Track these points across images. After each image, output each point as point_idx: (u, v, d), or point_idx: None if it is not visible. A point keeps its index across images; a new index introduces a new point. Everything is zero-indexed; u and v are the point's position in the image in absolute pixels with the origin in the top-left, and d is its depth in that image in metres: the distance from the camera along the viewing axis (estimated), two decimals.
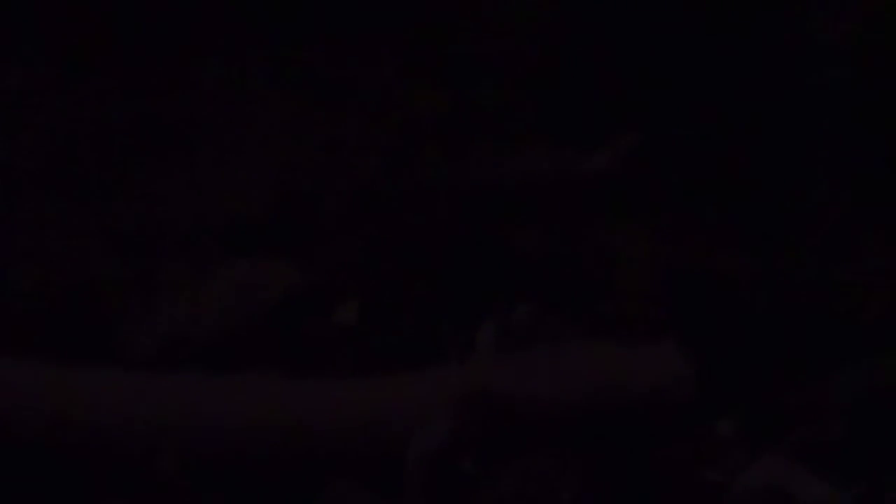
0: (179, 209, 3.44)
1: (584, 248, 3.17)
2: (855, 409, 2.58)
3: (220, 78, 3.94)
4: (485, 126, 4.09)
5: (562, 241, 3.23)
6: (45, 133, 3.79)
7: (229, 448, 2.68)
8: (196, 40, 4.02)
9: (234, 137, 3.73)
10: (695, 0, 3.94)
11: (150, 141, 3.65)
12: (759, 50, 3.81)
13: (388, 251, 3.54)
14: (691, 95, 3.83)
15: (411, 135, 4.00)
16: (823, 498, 2.49)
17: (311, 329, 3.20)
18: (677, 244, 3.14)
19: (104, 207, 3.49)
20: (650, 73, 4.00)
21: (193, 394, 2.72)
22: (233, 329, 3.16)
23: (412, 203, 3.70)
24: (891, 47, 3.92)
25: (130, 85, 3.82)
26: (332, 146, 3.88)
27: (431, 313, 3.13)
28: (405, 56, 4.20)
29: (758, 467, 2.54)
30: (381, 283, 3.28)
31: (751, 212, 3.29)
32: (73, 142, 3.67)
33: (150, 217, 3.42)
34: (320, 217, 3.52)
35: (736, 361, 2.64)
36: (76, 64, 3.88)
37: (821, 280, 2.88)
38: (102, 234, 3.41)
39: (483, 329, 2.97)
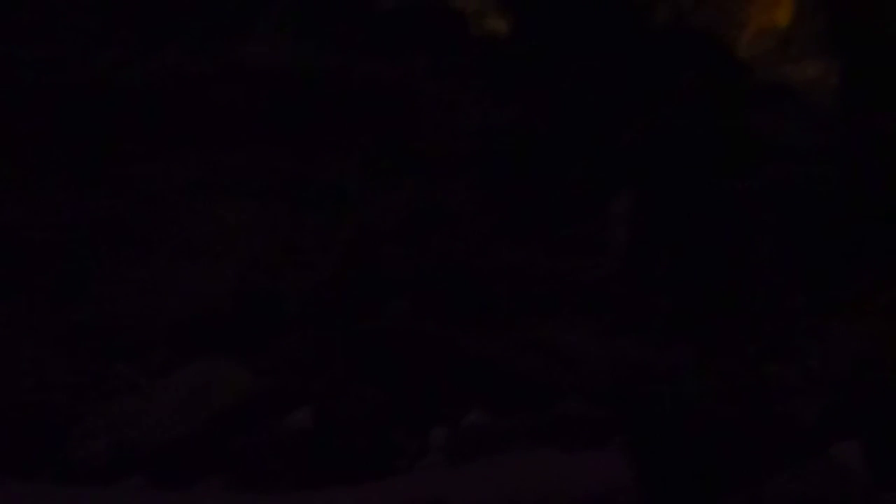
0: (134, 309, 3.34)
1: (536, 349, 3.08)
2: None
3: (179, 175, 3.87)
4: (447, 224, 4.02)
5: (515, 343, 3.13)
6: None
7: None
8: (157, 138, 3.96)
9: (192, 235, 3.65)
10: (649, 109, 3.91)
11: (107, 240, 3.56)
12: (705, 150, 3.77)
13: (344, 354, 3.44)
14: (646, 195, 3.76)
15: (372, 233, 3.93)
16: None
17: (264, 434, 3.09)
18: (628, 341, 3.05)
19: (57, 308, 3.39)
20: (610, 174, 3.94)
21: None
22: (184, 434, 3.05)
23: (369, 304, 3.61)
24: (836, 144, 3.89)
25: (87, 183, 3.75)
26: (292, 244, 3.80)
27: (384, 418, 3.02)
28: (368, 154, 4.15)
29: None
30: (335, 387, 3.18)
31: (700, 309, 3.20)
32: (27, 240, 3.59)
33: (105, 317, 3.31)
34: (277, 317, 3.42)
35: (677, 464, 2.54)
36: (32, 161, 3.82)
37: (761, 382, 2.79)
38: (55, 336, 3.31)
39: (434, 434, 2.87)
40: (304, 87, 4.12)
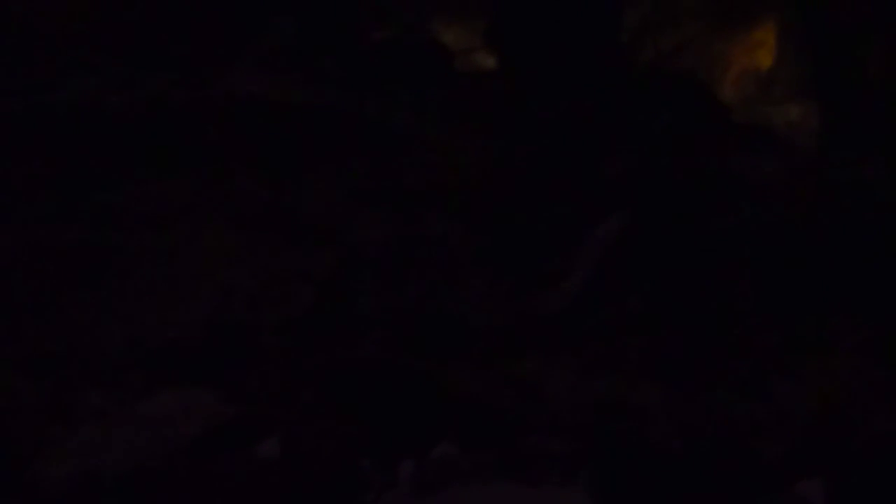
0: (107, 336, 3.24)
1: (508, 384, 2.99)
2: None
3: (159, 204, 3.79)
4: (427, 258, 3.94)
5: (487, 377, 3.05)
6: None
7: None
8: (139, 166, 3.89)
9: (169, 264, 3.57)
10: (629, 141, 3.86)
11: (82, 266, 3.48)
12: (683, 190, 3.71)
13: (316, 384, 3.36)
14: (627, 230, 3.70)
15: (350, 265, 3.85)
16: None
17: (233, 463, 3.00)
18: (601, 377, 2.96)
19: (29, 333, 3.31)
20: (591, 211, 3.88)
21: None
22: (151, 463, 2.96)
23: (344, 336, 3.53)
24: (814, 186, 3.84)
25: (66, 209, 3.68)
26: (268, 275, 3.72)
27: (353, 450, 2.94)
28: (348, 184, 4.08)
29: None
30: (305, 417, 3.10)
31: (674, 345, 3.13)
32: (1, 265, 3.51)
33: (76, 344, 3.22)
34: (250, 348, 3.34)
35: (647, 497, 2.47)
36: (9, 185, 3.75)
37: (729, 417, 2.72)
38: (25, 361, 3.22)
39: (403, 467, 2.79)
40: (288, 118, 4.06)
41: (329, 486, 2.95)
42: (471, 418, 2.92)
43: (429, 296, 3.69)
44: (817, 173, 4.07)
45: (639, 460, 2.48)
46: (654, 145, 3.87)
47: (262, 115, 3.92)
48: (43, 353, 3.23)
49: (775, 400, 2.72)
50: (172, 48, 4.16)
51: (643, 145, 3.88)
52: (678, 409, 2.70)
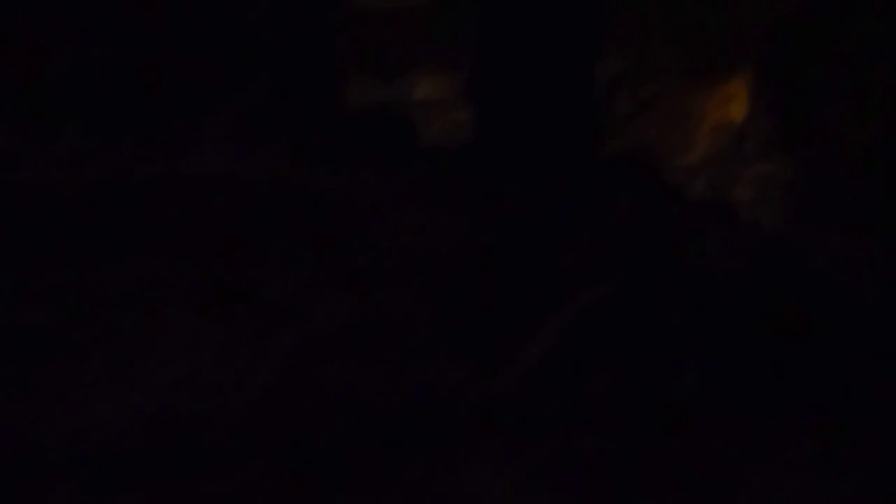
0: (37, 436, 3.04)
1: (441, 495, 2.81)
2: None
3: (111, 285, 3.60)
4: (388, 338, 3.77)
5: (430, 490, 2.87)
6: None
7: None
8: (92, 245, 3.71)
9: (117, 351, 3.38)
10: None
11: (26, 353, 3.28)
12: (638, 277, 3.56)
13: (270, 476, 3.17)
14: (583, 316, 3.54)
15: (309, 348, 3.67)
16: None
17: None
18: (542, 488, 2.79)
19: None
20: (549, 294, 3.72)
21: None
22: None
23: (302, 422, 3.34)
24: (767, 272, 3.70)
25: (11, 293, 3.48)
26: (224, 361, 3.53)
27: None
28: (311, 262, 3.91)
29: None
30: None
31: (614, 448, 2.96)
32: None
33: (5, 443, 3.02)
34: (200, 445, 3.15)
35: None
36: None
37: None
38: None
39: None
40: (252, 193, 3.89)
41: None
42: None
43: (391, 380, 3.51)
44: (779, 255, 3.91)
45: None
46: (613, 228, 3.71)
47: (227, 191, 3.75)
48: None
49: None
50: (138, 110, 3.99)
51: (604, 228, 3.72)
52: None
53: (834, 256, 4.28)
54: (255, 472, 3.18)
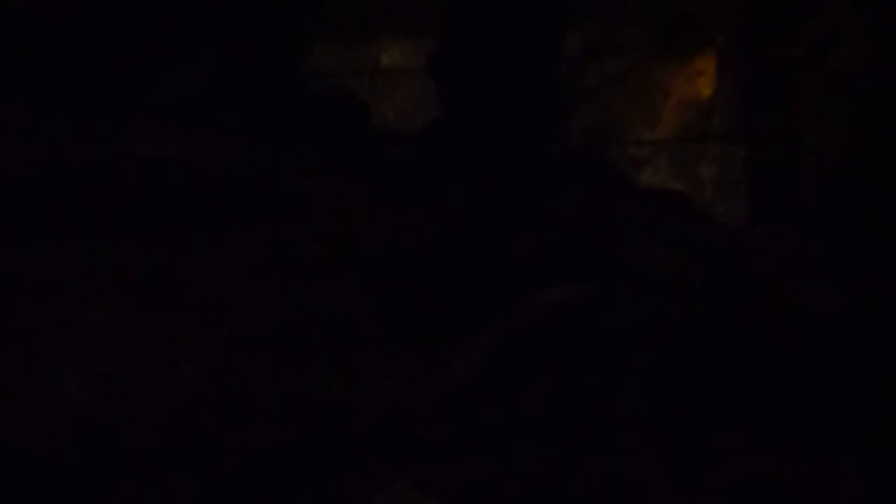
0: None
1: None
2: None
3: (35, 272, 3.39)
4: (326, 335, 3.59)
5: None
6: None
7: None
8: (17, 229, 3.49)
9: (38, 344, 3.19)
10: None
11: None
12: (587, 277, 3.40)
13: (195, 482, 3.00)
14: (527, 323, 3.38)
15: (244, 344, 3.50)
16: None
17: None
18: None
19: None
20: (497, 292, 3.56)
21: None
22: None
23: (233, 429, 3.17)
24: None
25: None
26: (151, 356, 3.35)
27: None
28: (245, 254, 3.72)
29: None
30: None
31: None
32: None
33: None
34: (122, 449, 2.97)
35: None
36: None
37: None
38: None
39: None
40: (185, 180, 3.69)
41: None
42: None
43: (327, 380, 3.35)
44: (732, 255, 3.76)
45: None
46: (559, 228, 3.54)
47: (162, 175, 3.55)
48: None
49: None
50: (69, 94, 3.76)
51: (552, 224, 3.55)
52: None
53: (790, 257, 4.13)
54: (183, 477, 3.02)
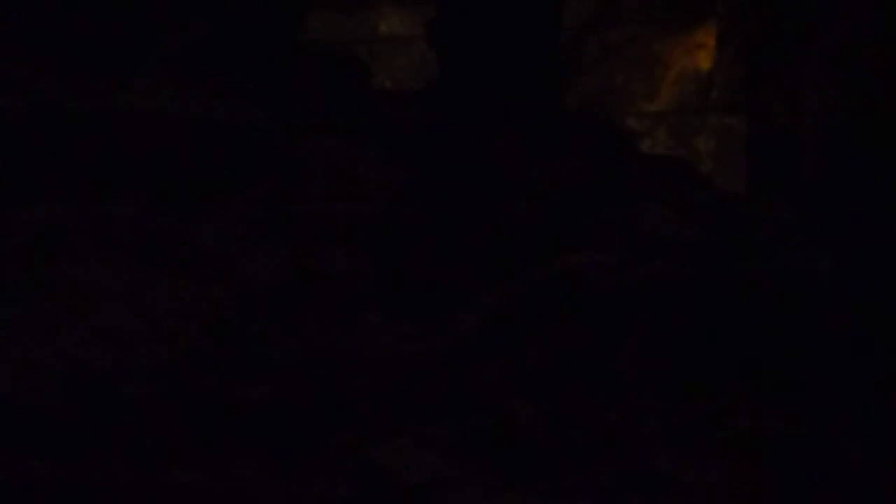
0: None
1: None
2: None
3: (28, 228, 3.33)
4: (323, 295, 3.55)
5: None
6: None
7: None
8: (11, 183, 3.43)
9: (33, 299, 3.13)
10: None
11: None
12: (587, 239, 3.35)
13: (196, 437, 2.95)
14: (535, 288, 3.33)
15: (242, 301, 3.45)
16: None
17: None
18: (460, 465, 2.58)
19: None
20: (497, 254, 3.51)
21: None
22: None
23: (229, 385, 3.12)
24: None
25: None
26: (149, 311, 3.31)
27: None
28: (244, 211, 3.66)
29: None
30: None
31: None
32: None
33: None
34: (116, 403, 2.93)
35: None
36: None
37: None
38: None
39: None
40: (183, 135, 3.63)
41: None
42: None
43: (324, 339, 3.30)
44: (731, 221, 3.71)
45: None
46: (561, 190, 3.49)
47: (155, 132, 3.48)
48: None
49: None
50: (66, 50, 3.68)
51: (554, 189, 3.50)
52: None
53: (786, 224, 4.09)
54: (176, 432, 2.98)
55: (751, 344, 3.23)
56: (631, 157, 4.42)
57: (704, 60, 8.79)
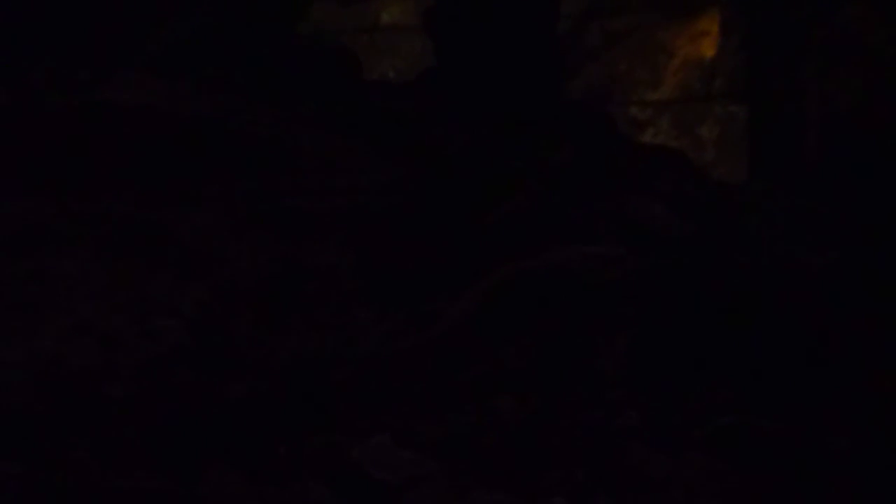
0: None
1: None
2: None
3: (10, 222, 3.29)
4: (307, 291, 3.51)
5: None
6: None
7: None
8: None
9: (8, 293, 3.09)
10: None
11: None
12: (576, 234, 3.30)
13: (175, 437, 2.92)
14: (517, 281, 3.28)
15: (226, 297, 3.41)
16: None
17: None
18: (439, 463, 2.53)
19: None
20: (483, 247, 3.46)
21: None
22: None
23: (210, 383, 3.09)
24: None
25: None
26: (133, 308, 3.27)
27: None
28: (229, 206, 3.62)
29: None
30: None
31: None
32: None
33: None
34: (97, 402, 2.90)
35: None
36: None
37: None
38: None
39: None
40: (169, 130, 3.58)
41: None
42: None
43: (307, 334, 3.27)
44: (727, 216, 3.66)
45: None
46: (553, 182, 3.44)
47: (140, 126, 3.44)
48: None
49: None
50: (55, 43, 3.65)
51: (543, 182, 3.45)
52: None
53: (779, 216, 4.03)
54: (157, 429, 2.94)
55: (738, 339, 3.18)
56: (625, 148, 4.36)
57: (708, 48, 8.69)
